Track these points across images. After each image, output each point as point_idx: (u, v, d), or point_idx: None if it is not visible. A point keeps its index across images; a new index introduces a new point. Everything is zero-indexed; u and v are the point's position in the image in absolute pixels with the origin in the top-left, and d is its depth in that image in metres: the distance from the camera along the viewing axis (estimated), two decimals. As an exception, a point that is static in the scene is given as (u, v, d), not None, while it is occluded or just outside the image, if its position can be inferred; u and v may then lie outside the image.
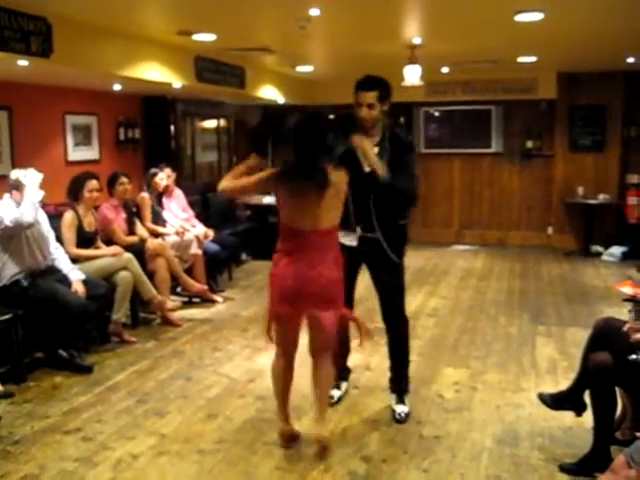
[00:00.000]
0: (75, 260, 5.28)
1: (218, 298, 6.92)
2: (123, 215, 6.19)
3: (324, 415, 3.63)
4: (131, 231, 6.23)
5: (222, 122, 9.61)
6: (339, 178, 3.43)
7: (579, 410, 3.58)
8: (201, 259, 6.84)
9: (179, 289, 6.84)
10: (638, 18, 5.39)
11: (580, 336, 4.91)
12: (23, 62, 4.91)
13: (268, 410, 4.16)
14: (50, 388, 4.58)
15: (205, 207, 8.57)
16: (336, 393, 4.29)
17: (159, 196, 6.88)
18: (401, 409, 4.07)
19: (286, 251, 3.51)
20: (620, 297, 3.57)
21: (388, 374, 4.27)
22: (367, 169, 3.78)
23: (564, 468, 3.37)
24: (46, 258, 4.98)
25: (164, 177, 6.85)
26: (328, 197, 3.38)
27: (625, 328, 3.13)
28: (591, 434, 3.33)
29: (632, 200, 9.30)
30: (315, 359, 3.61)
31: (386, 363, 5.02)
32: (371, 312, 6.26)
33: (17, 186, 4.76)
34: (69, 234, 5.41)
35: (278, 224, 3.53)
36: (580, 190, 9.59)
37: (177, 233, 6.69)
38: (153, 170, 6.86)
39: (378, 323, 6.01)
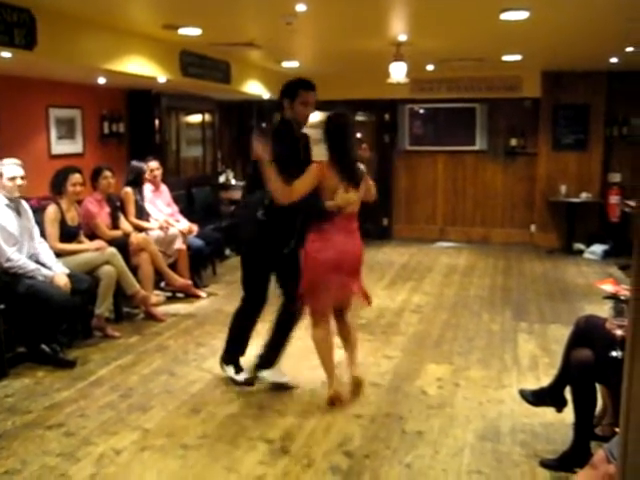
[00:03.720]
0: (58, 254, 5.24)
1: (202, 293, 6.91)
2: (107, 209, 6.16)
3: (355, 360, 4.39)
4: (115, 225, 6.20)
5: (207, 116, 9.58)
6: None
7: (560, 406, 3.62)
8: (185, 254, 6.82)
9: (163, 284, 6.81)
10: (622, 18, 5.44)
11: (561, 333, 4.96)
12: (6, 54, 4.86)
13: (251, 405, 4.17)
14: (32, 383, 4.55)
15: (189, 202, 8.55)
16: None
17: (141, 190, 6.81)
18: None
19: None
20: (601, 294, 3.60)
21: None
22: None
23: (545, 463, 3.41)
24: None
25: (147, 170, 6.82)
26: None
27: (607, 325, 3.16)
28: (571, 430, 3.37)
29: (614, 199, 9.37)
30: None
31: (370, 359, 5.07)
32: (354, 308, 6.30)
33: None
34: (52, 228, 5.37)
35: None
36: (563, 188, 9.67)
37: (161, 228, 6.66)
38: (136, 163, 6.81)
39: (362, 319, 6.07)
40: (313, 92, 4.29)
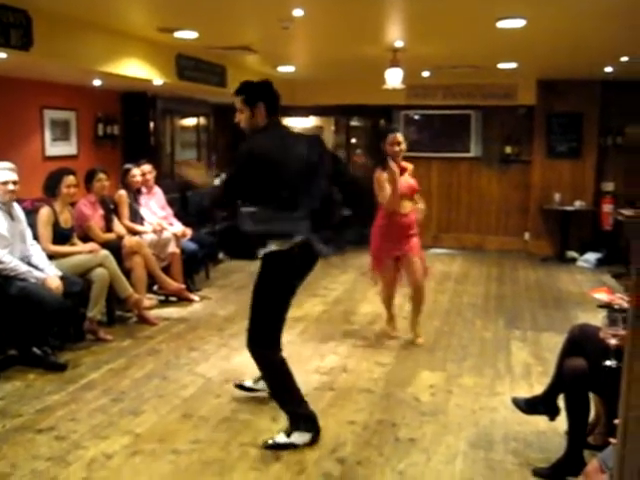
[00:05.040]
0: (51, 257, 5.22)
1: (195, 297, 6.88)
2: (100, 212, 6.13)
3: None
4: (108, 228, 6.17)
5: (202, 120, 9.56)
6: None
7: (552, 415, 3.62)
8: (178, 258, 6.79)
9: (156, 287, 6.79)
10: (617, 28, 5.46)
11: (554, 341, 4.97)
12: (2, 55, 4.84)
13: (243, 410, 4.15)
14: (23, 386, 4.52)
15: (183, 206, 8.51)
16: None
17: (135, 193, 6.79)
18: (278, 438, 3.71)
19: None
20: (594, 303, 3.59)
21: None
22: None
23: (538, 472, 3.40)
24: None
25: (137, 174, 6.76)
26: None
27: (600, 335, 3.16)
28: (564, 439, 3.38)
29: (607, 207, 9.43)
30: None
31: (363, 365, 5.06)
32: (347, 313, 6.29)
33: None
34: (45, 230, 5.34)
35: None
36: (557, 196, 9.70)
37: (155, 231, 6.64)
38: (127, 166, 6.79)
39: (354, 325, 6.05)
40: (237, 97, 3.78)
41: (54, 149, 7.02)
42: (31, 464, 3.43)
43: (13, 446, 3.63)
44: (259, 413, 4.11)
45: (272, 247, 3.58)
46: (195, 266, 7.39)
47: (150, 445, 3.68)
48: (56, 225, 5.42)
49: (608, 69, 8.12)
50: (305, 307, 6.58)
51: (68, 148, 7.27)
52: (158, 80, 6.76)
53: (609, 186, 9.68)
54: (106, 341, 5.47)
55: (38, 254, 5.07)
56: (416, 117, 10.74)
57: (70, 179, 5.49)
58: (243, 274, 8.02)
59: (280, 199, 3.56)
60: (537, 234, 10.11)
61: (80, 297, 5.25)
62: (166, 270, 6.65)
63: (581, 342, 3.43)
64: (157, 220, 6.83)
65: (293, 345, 5.11)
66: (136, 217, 6.65)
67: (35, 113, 6.77)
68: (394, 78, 7.30)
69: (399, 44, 6.63)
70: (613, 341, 3.08)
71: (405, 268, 5.57)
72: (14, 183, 4.85)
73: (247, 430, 3.88)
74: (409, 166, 5.59)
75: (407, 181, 5.49)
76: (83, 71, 5.95)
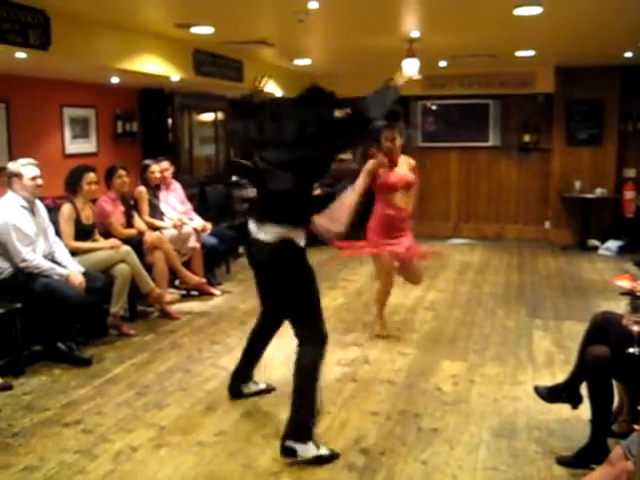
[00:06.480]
0: (73, 253, 5.28)
1: (216, 291, 6.93)
2: (121, 208, 6.18)
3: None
4: (129, 224, 6.23)
5: (220, 115, 9.59)
6: None
7: (575, 403, 3.60)
8: (199, 252, 6.84)
9: (177, 282, 6.84)
10: (636, 11, 5.39)
11: (577, 329, 4.94)
12: (21, 54, 4.90)
13: (266, 403, 4.18)
14: (49, 381, 4.58)
15: (203, 200, 8.56)
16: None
17: (155, 188, 6.83)
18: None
19: None
20: (616, 291, 3.57)
21: None
22: None
23: (561, 460, 3.39)
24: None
25: (156, 170, 6.80)
26: None
27: (623, 322, 3.14)
28: (588, 426, 3.36)
29: (629, 194, 9.33)
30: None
31: (385, 356, 5.06)
32: (368, 305, 6.30)
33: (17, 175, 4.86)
34: (67, 227, 5.40)
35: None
36: (577, 184, 9.62)
37: (175, 226, 6.68)
38: (146, 162, 6.82)
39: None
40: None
41: (74, 147, 7.10)
42: (59, 457, 3.49)
43: (41, 440, 3.69)
44: (281, 405, 4.12)
45: None
46: (216, 260, 7.44)
47: (175, 438, 3.72)
48: (78, 221, 5.47)
49: (628, 54, 8.02)
50: (326, 299, 6.57)
51: (88, 145, 7.35)
52: (175, 76, 6.80)
53: (631, 172, 9.58)
54: (129, 336, 5.53)
55: (61, 251, 5.13)
56: (434, 107, 10.69)
57: (91, 176, 5.54)
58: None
59: None
60: (557, 222, 10.04)
61: (103, 293, 5.29)
62: (187, 265, 6.69)
63: (604, 330, 3.41)
64: (177, 215, 6.87)
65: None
66: (156, 213, 6.70)
67: (55, 111, 6.85)
68: (411, 68, 7.26)
69: (415, 34, 6.60)
70: (636, 328, 3.07)
71: (403, 268, 5.52)
72: (40, 178, 4.93)
73: (270, 422, 3.90)
74: (403, 160, 5.63)
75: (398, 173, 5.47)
76: (101, 69, 6.00)
